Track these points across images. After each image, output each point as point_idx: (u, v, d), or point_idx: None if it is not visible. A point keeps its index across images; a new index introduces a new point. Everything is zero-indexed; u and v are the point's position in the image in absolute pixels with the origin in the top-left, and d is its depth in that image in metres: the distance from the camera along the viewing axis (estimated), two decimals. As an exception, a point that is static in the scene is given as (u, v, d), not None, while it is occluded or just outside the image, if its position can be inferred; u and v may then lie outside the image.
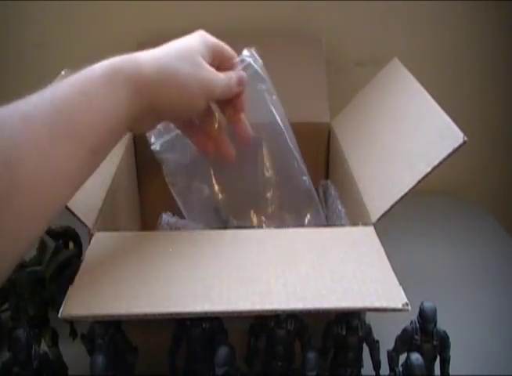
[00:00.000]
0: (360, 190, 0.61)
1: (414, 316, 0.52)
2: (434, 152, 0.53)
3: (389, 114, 0.67)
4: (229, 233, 0.57)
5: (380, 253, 0.52)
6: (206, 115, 0.57)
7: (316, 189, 0.79)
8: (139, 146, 0.76)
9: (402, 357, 0.51)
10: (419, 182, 0.53)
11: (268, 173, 0.68)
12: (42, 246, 0.68)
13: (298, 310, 0.46)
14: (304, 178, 0.69)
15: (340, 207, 0.69)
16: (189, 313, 0.46)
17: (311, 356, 0.49)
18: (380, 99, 0.70)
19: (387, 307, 0.45)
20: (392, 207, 0.54)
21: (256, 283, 0.47)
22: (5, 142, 0.36)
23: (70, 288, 0.47)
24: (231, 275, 0.49)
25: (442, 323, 0.52)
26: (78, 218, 0.53)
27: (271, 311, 0.45)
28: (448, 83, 0.91)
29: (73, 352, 0.57)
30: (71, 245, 0.68)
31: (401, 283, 0.48)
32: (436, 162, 0.52)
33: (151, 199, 0.79)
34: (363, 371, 0.54)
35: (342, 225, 0.66)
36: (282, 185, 0.69)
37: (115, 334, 0.51)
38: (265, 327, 0.52)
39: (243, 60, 0.62)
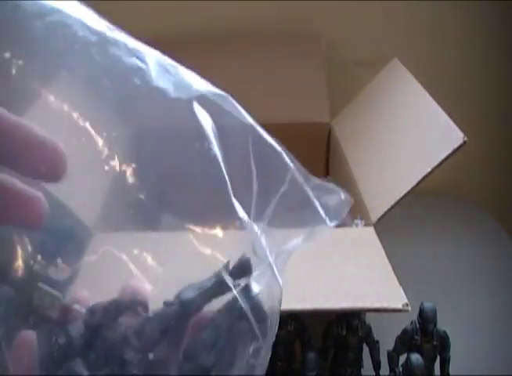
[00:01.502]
0: (360, 190, 0.61)
1: (414, 317, 0.52)
2: (434, 152, 0.53)
3: (389, 114, 0.67)
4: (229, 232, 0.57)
5: (380, 253, 0.52)
6: None
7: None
8: (140, 145, 0.76)
9: (402, 357, 0.51)
10: (419, 182, 0.53)
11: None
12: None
13: (298, 310, 0.46)
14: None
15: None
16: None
17: (311, 356, 0.49)
18: (381, 100, 0.70)
19: (387, 307, 0.45)
20: (392, 207, 0.54)
21: (256, 284, 0.47)
22: None
23: (70, 288, 0.47)
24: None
25: (442, 323, 0.52)
26: (78, 218, 0.53)
27: (271, 311, 0.45)
28: (449, 83, 0.91)
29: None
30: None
31: (401, 284, 0.48)
32: (436, 162, 0.52)
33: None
34: (363, 371, 0.54)
35: (343, 221, 0.66)
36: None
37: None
38: (265, 327, 0.52)
39: None
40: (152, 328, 0.24)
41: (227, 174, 0.25)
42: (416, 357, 0.48)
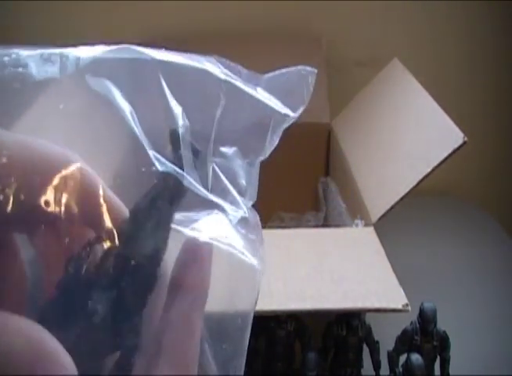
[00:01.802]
0: (360, 191, 0.61)
1: (414, 317, 0.52)
2: (434, 152, 0.53)
3: (389, 114, 0.67)
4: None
5: (380, 253, 0.52)
6: None
7: (316, 187, 0.79)
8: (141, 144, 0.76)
9: (402, 358, 0.51)
10: (419, 182, 0.53)
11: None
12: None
13: (298, 310, 0.46)
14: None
15: (340, 203, 0.69)
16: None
17: (311, 356, 0.49)
18: (380, 99, 0.70)
19: (387, 308, 0.45)
20: (392, 207, 0.54)
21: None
22: None
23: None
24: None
25: (442, 323, 0.52)
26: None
27: (271, 311, 0.45)
28: (448, 83, 0.91)
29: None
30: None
31: (401, 284, 0.48)
32: (436, 162, 0.52)
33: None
34: (363, 371, 0.54)
35: (343, 221, 0.66)
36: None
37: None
38: (265, 327, 0.52)
39: None
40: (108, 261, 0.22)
41: (145, 129, 0.22)
42: (416, 357, 0.48)
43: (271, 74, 0.26)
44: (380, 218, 0.55)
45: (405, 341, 0.52)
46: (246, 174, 0.25)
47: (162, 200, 0.23)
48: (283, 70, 0.26)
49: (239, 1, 0.87)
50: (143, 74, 0.24)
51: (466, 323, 0.68)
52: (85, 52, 0.23)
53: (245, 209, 0.24)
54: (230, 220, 0.23)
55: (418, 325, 0.51)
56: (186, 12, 0.88)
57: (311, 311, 0.45)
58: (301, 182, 0.79)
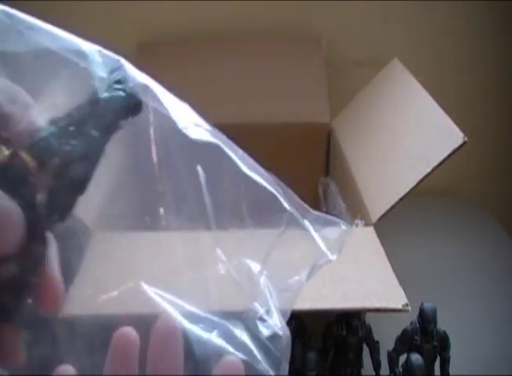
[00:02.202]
0: (360, 191, 0.61)
1: (414, 317, 0.52)
2: (434, 152, 0.53)
3: (389, 114, 0.67)
4: (229, 233, 0.57)
5: (380, 253, 0.52)
6: None
7: (316, 187, 0.79)
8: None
9: (402, 358, 0.51)
10: (419, 182, 0.53)
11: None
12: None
13: (298, 310, 0.45)
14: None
15: (340, 203, 0.69)
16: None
17: (311, 356, 0.49)
18: (380, 99, 0.70)
19: (387, 307, 0.45)
20: (392, 207, 0.54)
21: (256, 284, 0.47)
22: None
23: (70, 288, 0.47)
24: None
25: (442, 323, 0.52)
26: (78, 218, 0.53)
27: (271, 311, 0.45)
28: (449, 83, 0.91)
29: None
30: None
31: (401, 284, 0.48)
32: (436, 162, 0.52)
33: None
34: (363, 371, 0.54)
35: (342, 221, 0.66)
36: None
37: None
38: (265, 327, 0.52)
39: None
40: None
41: (218, 224, 0.27)
42: (416, 357, 0.48)
43: (317, 213, 0.30)
44: (380, 218, 0.55)
45: (405, 341, 0.52)
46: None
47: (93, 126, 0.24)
48: (328, 216, 0.31)
49: (239, 1, 0.87)
50: (229, 180, 0.27)
51: (466, 323, 0.68)
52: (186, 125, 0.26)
53: (280, 325, 0.27)
54: (261, 332, 0.26)
55: (418, 325, 0.51)
56: (186, 12, 0.88)
57: (311, 311, 0.45)
58: (300, 182, 0.79)
